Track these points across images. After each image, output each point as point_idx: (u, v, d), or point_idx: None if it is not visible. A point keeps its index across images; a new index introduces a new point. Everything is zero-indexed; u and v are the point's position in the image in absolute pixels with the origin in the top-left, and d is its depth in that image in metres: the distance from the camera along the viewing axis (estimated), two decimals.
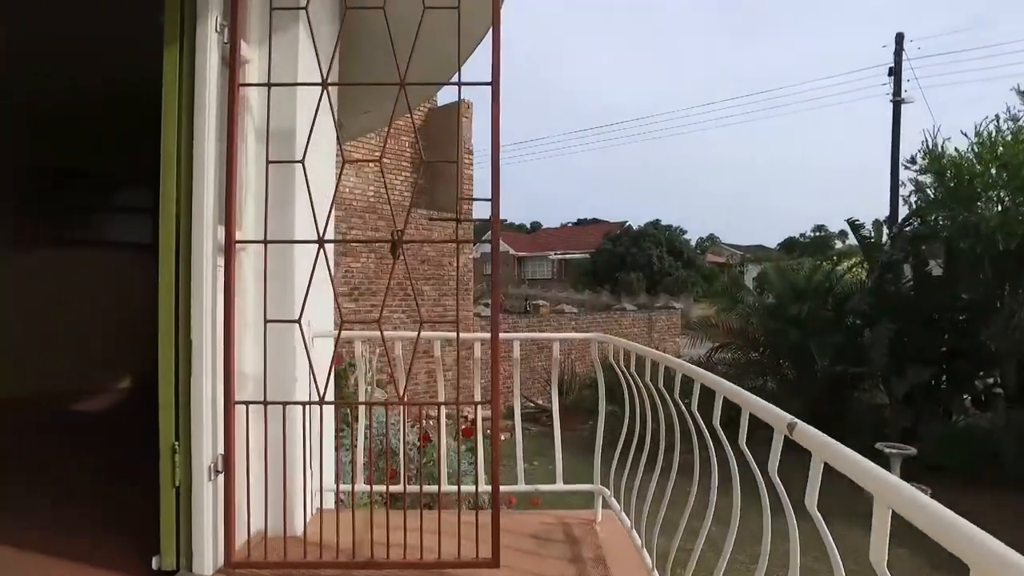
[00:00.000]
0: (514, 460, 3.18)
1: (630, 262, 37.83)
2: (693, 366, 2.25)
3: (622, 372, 2.75)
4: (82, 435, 4.74)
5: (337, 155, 2.98)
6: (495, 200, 2.19)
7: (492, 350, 2.34)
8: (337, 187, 2.31)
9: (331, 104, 2.26)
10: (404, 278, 11.43)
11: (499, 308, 2.30)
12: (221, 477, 2.28)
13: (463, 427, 5.20)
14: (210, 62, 2.19)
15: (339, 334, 2.40)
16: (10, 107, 5.42)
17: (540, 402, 13.63)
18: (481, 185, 13.27)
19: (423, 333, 2.64)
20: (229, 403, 2.24)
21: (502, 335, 2.53)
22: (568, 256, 45.71)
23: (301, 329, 2.29)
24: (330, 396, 2.46)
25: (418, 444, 4.74)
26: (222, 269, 2.25)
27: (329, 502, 2.82)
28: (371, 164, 11.17)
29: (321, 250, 2.26)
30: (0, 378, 5.40)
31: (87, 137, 5.65)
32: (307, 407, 2.36)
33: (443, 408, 2.62)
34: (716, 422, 1.95)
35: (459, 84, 2.31)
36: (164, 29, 2.19)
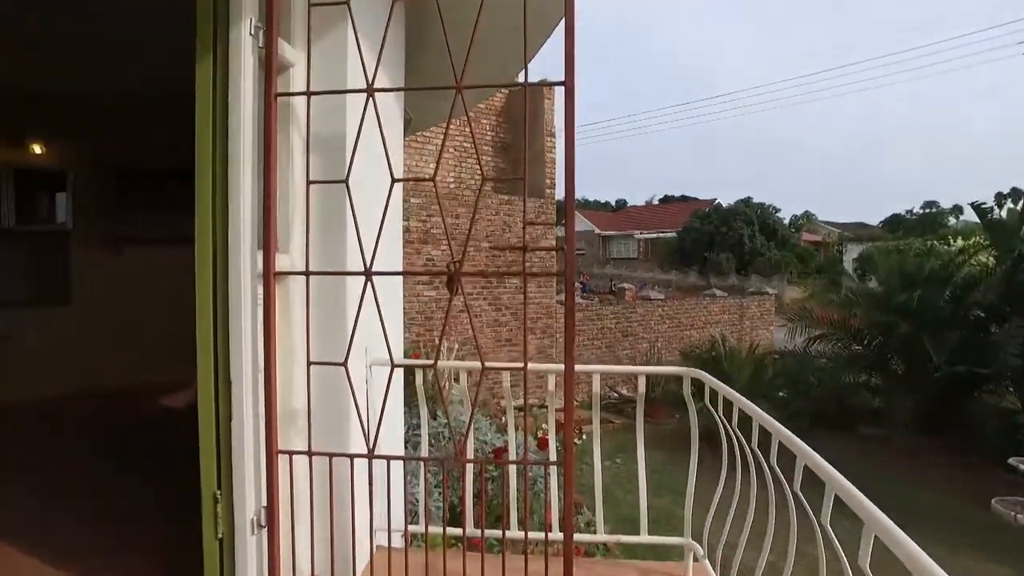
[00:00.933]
0: (590, 456, 2.79)
1: (719, 241, 36.26)
2: (788, 432, 1.86)
3: (720, 421, 2.34)
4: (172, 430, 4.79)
5: (405, 166, 2.71)
6: (569, 230, 1.83)
7: (566, 389, 2.00)
8: (387, 207, 1.99)
9: (377, 113, 1.95)
10: (484, 265, 11.27)
11: (574, 339, 1.95)
12: (265, 532, 2.07)
13: (540, 436, 4.90)
14: (245, 70, 1.94)
15: (391, 373, 2.12)
16: (101, 110, 5.51)
17: (624, 392, 13.19)
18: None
19: (489, 364, 2.33)
20: (271, 453, 2.01)
21: (578, 367, 2.19)
22: (654, 235, 44.42)
23: (347, 372, 2.03)
24: (394, 430, 2.20)
25: (490, 458, 4.48)
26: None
27: (385, 539, 2.59)
28: (450, 150, 10.98)
29: (369, 283, 1.98)
30: (104, 371, 5.57)
31: (170, 136, 5.67)
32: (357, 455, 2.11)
33: (511, 461, 2.30)
34: (796, 487, 1.64)
35: (526, 85, 1.95)
36: (196, 36, 1.95)
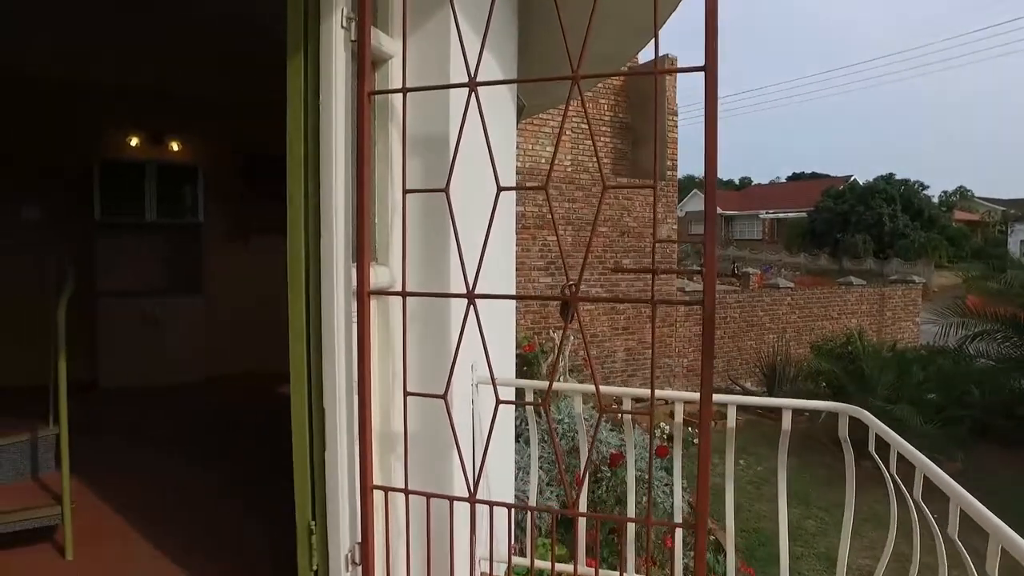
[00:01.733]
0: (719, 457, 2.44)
1: (855, 221, 33.37)
2: (969, 498, 1.45)
3: (890, 476, 1.91)
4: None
5: (520, 149, 2.45)
6: (709, 259, 1.49)
7: (701, 423, 1.67)
8: (493, 218, 1.74)
9: (481, 111, 1.69)
10: (602, 251, 10.88)
11: (711, 376, 1.62)
12: (360, 570, 1.91)
13: (658, 446, 4.54)
14: (336, 66, 1.74)
15: (496, 409, 1.88)
16: (228, 106, 5.69)
17: (748, 385, 12.40)
18: (686, 148, 12.07)
19: (606, 388, 2.04)
20: (365, 488, 1.84)
21: (717, 397, 1.86)
22: (782, 215, 41.77)
23: (447, 407, 1.81)
24: (503, 458, 1.97)
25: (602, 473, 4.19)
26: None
27: (487, 567, 2.38)
28: (567, 132, 10.62)
29: (472, 307, 1.74)
30: (232, 358, 5.82)
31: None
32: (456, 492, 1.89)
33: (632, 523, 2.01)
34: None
35: (655, 73, 1.61)
36: (287, 31, 1.77)
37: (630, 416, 2.38)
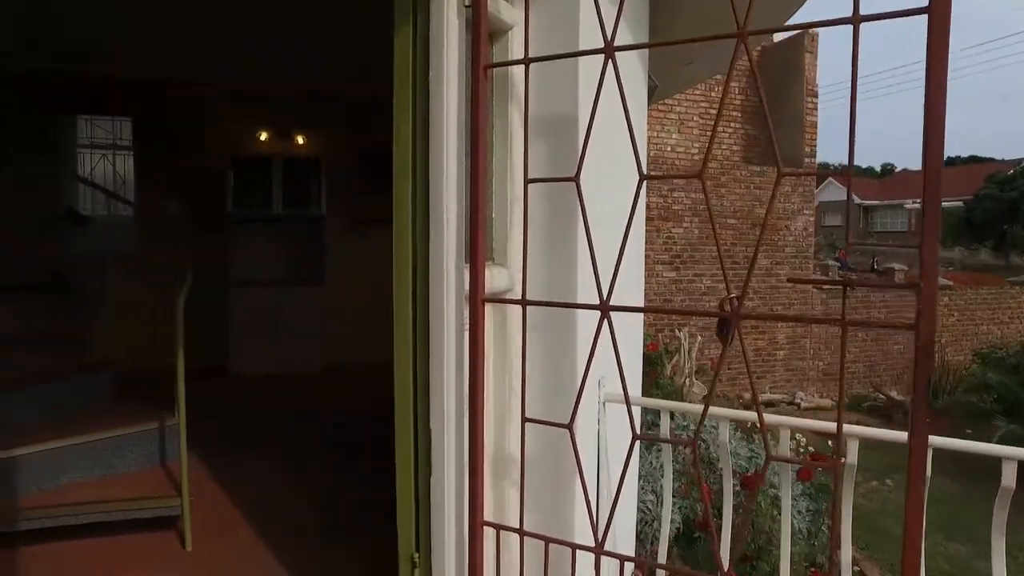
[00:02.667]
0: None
1: None
2: None
3: None
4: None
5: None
6: (928, 266, 1.11)
7: (910, 481, 1.28)
8: (634, 210, 1.43)
9: (618, 77, 1.38)
10: (731, 244, 10.17)
11: (923, 417, 1.23)
12: None
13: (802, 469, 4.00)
14: (449, 36, 1.49)
15: (632, 447, 1.57)
16: (348, 99, 5.72)
17: (893, 394, 11.19)
18: (827, 132, 11.01)
19: (772, 418, 1.67)
20: (475, 523, 1.60)
21: (936, 440, 1.46)
22: None
23: (572, 438, 1.52)
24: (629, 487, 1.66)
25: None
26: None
27: None
28: (694, 118, 10.00)
29: (605, 319, 1.44)
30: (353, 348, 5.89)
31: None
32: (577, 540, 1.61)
33: None
34: None
35: (856, 20, 1.22)
36: (394, 2, 1.55)
37: (787, 443, 1.99)
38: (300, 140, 6.18)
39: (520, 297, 1.53)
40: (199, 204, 6.16)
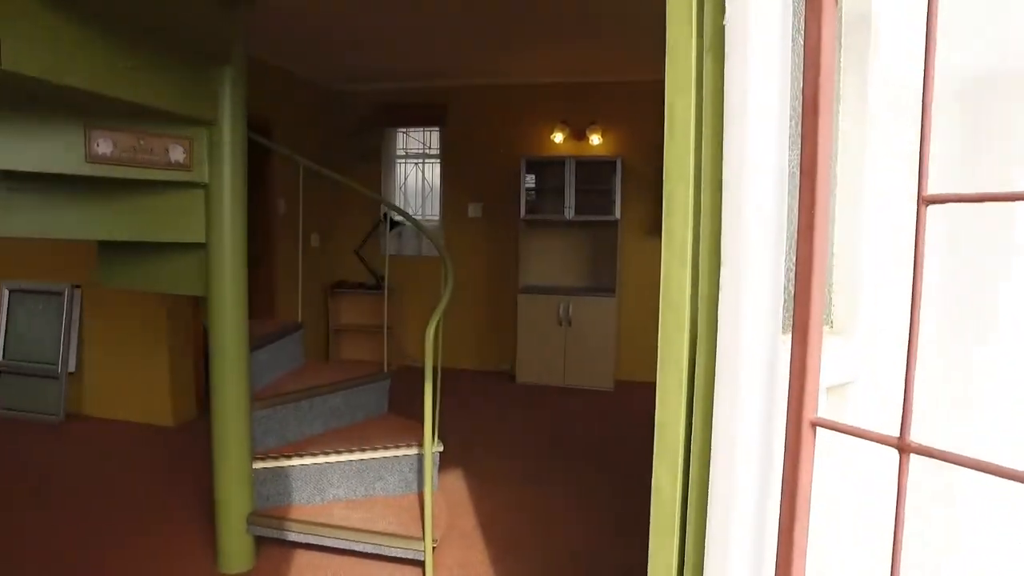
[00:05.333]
0: None
1: None
2: None
3: None
4: None
5: None
6: None
7: None
8: None
9: None
10: None
11: None
12: None
13: None
14: None
15: None
16: (651, 85, 5.15)
17: None
18: None
19: None
20: None
21: None
22: None
23: None
24: None
25: None
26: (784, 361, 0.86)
27: None
28: None
29: None
30: (651, 364, 5.34)
31: None
32: None
33: None
34: None
35: None
36: None
37: None
38: (596, 139, 5.79)
39: (902, 425, 0.74)
40: (494, 208, 6.17)
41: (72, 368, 4.53)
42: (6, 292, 4.72)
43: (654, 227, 5.78)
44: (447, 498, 3.33)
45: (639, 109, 5.68)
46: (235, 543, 2.64)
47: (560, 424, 4.67)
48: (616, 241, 5.70)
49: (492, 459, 3.92)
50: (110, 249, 2.71)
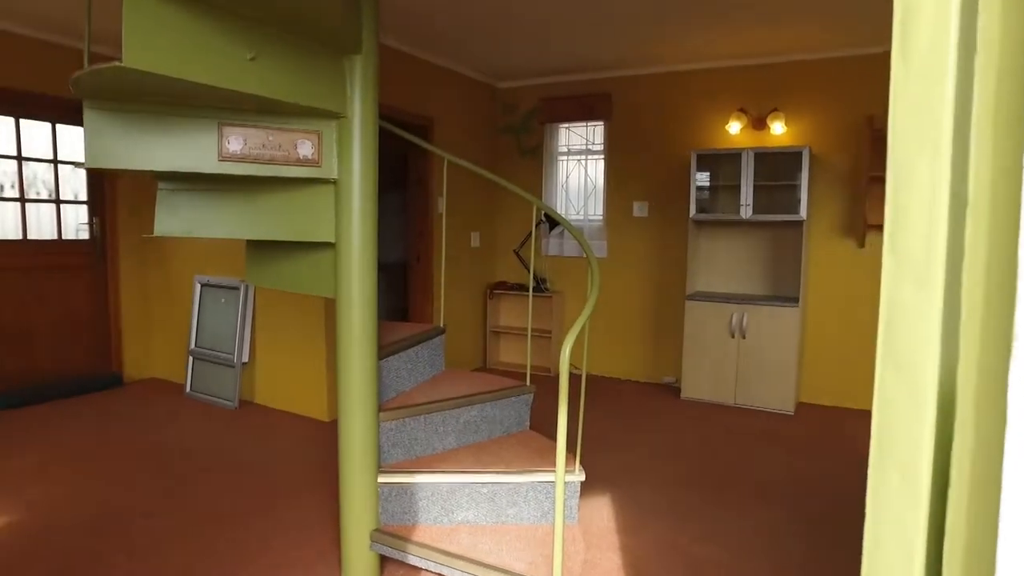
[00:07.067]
0: None
1: None
2: None
3: None
4: None
5: None
6: None
7: None
8: None
9: None
10: None
11: None
12: None
13: None
14: None
15: None
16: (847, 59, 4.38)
17: None
18: None
19: None
20: None
21: None
22: None
23: None
24: None
25: None
26: None
27: None
28: None
29: None
30: (842, 385, 4.62)
31: None
32: None
33: None
34: None
35: None
36: None
37: None
38: (779, 127, 5.09)
39: None
40: (662, 207, 5.69)
41: (245, 359, 4.81)
42: (198, 285, 5.14)
43: (848, 227, 4.98)
44: (587, 533, 2.98)
45: (832, 90, 4.91)
46: (359, 558, 2.51)
47: (730, 450, 4.11)
48: (801, 243, 4.97)
49: (645, 488, 3.50)
50: (252, 247, 2.71)
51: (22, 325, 4.84)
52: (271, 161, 2.20)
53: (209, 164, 2.13)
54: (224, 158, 2.14)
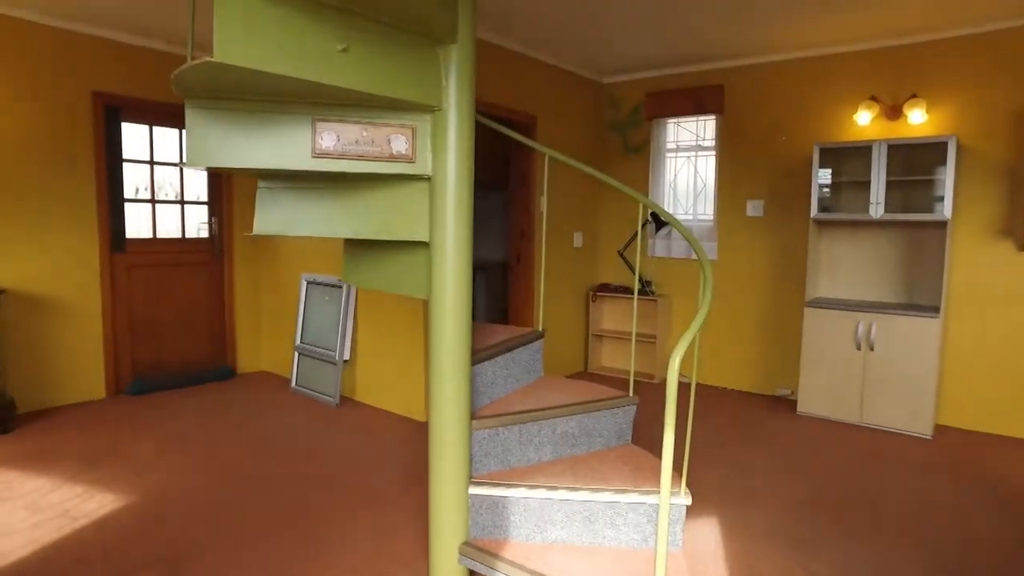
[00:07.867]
0: None
1: None
2: None
3: None
4: None
5: None
6: None
7: None
8: None
9: None
10: None
11: None
12: None
13: None
14: None
15: None
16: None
17: None
18: None
19: None
20: None
21: None
22: None
23: None
24: None
25: None
26: None
27: None
28: None
29: None
30: (988, 408, 4.10)
31: None
32: None
33: None
34: None
35: None
36: None
37: None
38: (919, 115, 4.57)
39: None
40: (778, 205, 5.28)
41: (347, 356, 4.88)
42: (304, 283, 5.28)
43: (1005, 227, 4.38)
44: (693, 560, 2.73)
45: (985, 70, 4.34)
46: (447, 571, 2.40)
47: (855, 475, 3.70)
48: (944, 246, 4.42)
49: (758, 513, 3.19)
50: (349, 246, 2.67)
51: (151, 317, 5.18)
52: (364, 157, 2.13)
53: (303, 161, 2.09)
54: (318, 155, 2.09)
